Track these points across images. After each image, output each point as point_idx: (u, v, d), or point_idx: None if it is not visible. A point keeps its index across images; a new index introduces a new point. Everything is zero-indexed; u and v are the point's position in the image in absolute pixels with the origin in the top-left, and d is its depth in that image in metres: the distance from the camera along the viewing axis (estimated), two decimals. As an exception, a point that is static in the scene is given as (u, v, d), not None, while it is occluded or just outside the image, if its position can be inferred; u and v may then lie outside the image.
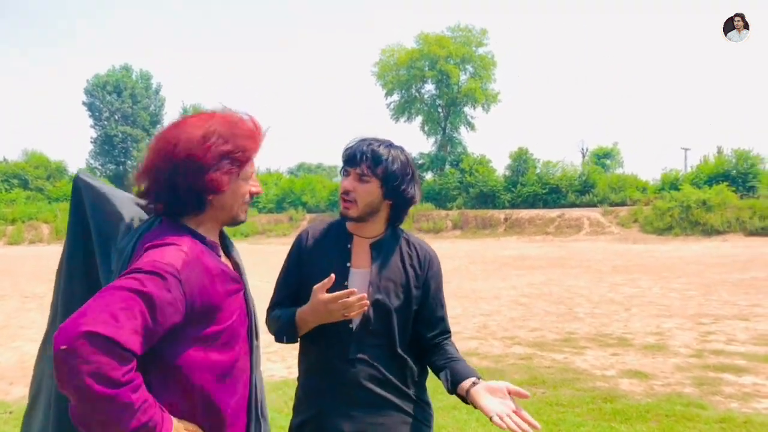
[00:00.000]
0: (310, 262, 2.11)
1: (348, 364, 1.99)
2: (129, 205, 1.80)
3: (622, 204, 38.66)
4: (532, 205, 41.69)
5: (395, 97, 48.72)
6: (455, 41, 46.13)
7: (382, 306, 1.99)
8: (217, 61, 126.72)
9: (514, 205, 42.22)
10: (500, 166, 53.80)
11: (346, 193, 2.03)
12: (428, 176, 48.57)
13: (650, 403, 5.30)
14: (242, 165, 1.67)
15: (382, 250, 2.07)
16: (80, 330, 1.27)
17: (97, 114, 52.47)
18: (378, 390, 1.97)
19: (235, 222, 1.75)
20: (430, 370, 2.13)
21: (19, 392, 5.90)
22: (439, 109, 48.48)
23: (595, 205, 39.12)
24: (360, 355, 1.98)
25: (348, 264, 2.06)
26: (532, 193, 42.33)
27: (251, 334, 1.73)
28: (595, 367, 6.60)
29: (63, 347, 1.26)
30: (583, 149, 70.14)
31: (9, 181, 46.86)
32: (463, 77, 47.04)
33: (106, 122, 52.28)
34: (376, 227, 2.09)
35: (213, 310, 1.56)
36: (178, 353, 1.51)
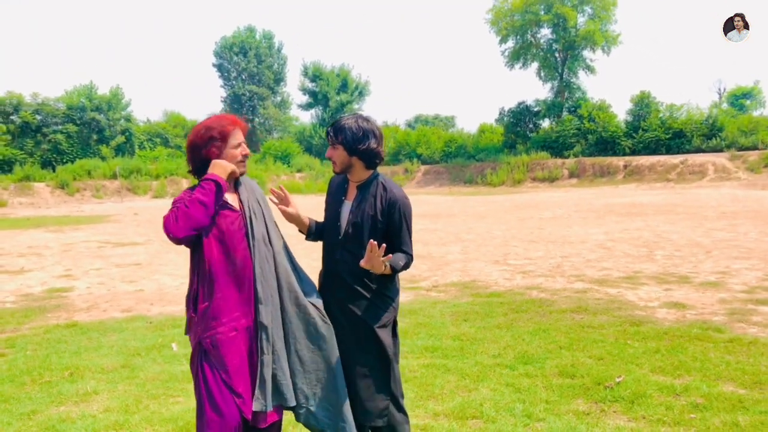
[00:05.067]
0: (328, 197, 3.22)
1: (335, 262, 3.05)
2: None
3: (754, 148, 36.39)
4: (654, 151, 40.20)
5: (510, 43, 47.96)
6: (572, -18, 44.50)
7: (357, 226, 3.01)
8: (333, 18, 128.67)
9: (634, 152, 40.91)
10: (621, 111, 51.51)
11: (329, 158, 3.05)
12: (545, 123, 47.83)
13: (673, 327, 5.96)
14: (225, 139, 2.86)
15: (363, 190, 3.08)
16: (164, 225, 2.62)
17: (225, 74, 55.99)
18: (350, 280, 3.00)
19: (235, 174, 2.90)
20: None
21: (157, 310, 7.51)
22: (556, 54, 47.20)
23: (721, 150, 37.12)
24: (342, 257, 3.02)
25: (343, 198, 3.11)
26: (654, 139, 40.75)
27: (248, 236, 2.86)
28: (642, 299, 7.24)
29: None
30: (720, 89, 65.60)
31: (152, 140, 51.57)
32: (581, 19, 45.38)
33: (234, 82, 55.67)
34: (359, 174, 3.09)
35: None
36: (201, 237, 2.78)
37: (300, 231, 3.27)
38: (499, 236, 14.12)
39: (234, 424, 2.76)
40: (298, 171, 46.09)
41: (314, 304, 2.97)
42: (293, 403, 2.92)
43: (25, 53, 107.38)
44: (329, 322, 2.98)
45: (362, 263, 2.83)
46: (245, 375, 2.84)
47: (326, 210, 3.20)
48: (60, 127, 47.04)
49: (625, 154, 40.79)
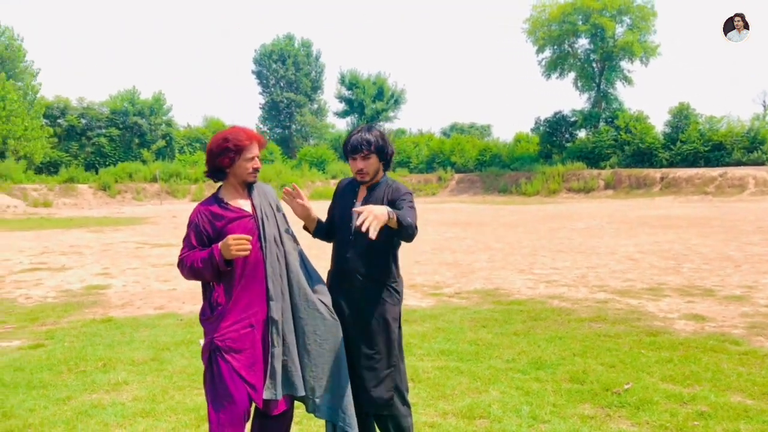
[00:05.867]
0: (338, 199, 3.44)
1: (345, 260, 3.27)
2: None
3: (797, 161, 35.57)
4: (692, 164, 39.60)
5: (547, 53, 47.81)
6: (611, -8, 44.15)
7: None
8: (370, 27, 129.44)
9: (672, 164, 40.36)
10: (658, 122, 50.86)
11: (359, 171, 3.24)
12: (581, 134, 47.45)
13: (689, 338, 6.01)
14: (240, 152, 3.09)
15: (372, 190, 3.29)
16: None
17: (264, 81, 56.91)
18: (360, 277, 3.20)
19: (246, 182, 3.17)
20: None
21: (188, 308, 7.82)
22: (593, 64, 46.86)
23: (763, 163, 36.37)
24: (353, 255, 3.23)
25: (354, 200, 3.33)
26: (693, 151, 40.18)
27: (260, 238, 3.09)
28: (663, 311, 7.28)
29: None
30: (765, 101, 64.17)
31: (192, 145, 52.76)
32: (619, 30, 45.00)
33: (272, 89, 56.56)
34: (376, 177, 3.30)
35: (219, 231, 3.07)
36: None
37: (305, 228, 3.49)
38: (528, 246, 14.18)
39: (243, 410, 2.99)
40: (333, 177, 46.58)
41: (322, 301, 3.18)
42: (302, 393, 3.12)
43: (72, 58, 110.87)
44: (336, 318, 3.18)
45: (358, 222, 2.76)
46: (259, 366, 3.06)
47: (335, 211, 3.41)
48: (103, 130, 48.51)
49: (662, 166, 40.26)
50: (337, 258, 3.35)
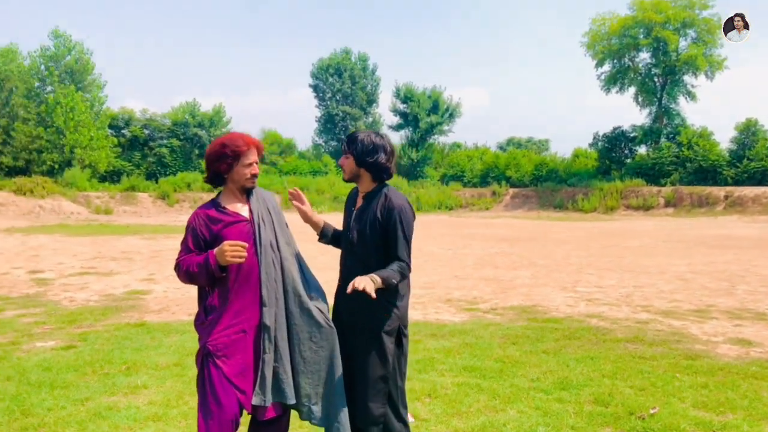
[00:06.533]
0: (345, 207, 3.43)
1: (346, 267, 3.24)
2: None
3: None
4: (760, 182, 37.90)
5: (606, 67, 46.64)
6: (675, 5, 42.77)
7: (360, 233, 3.15)
8: (425, 42, 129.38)
9: (737, 182, 38.75)
10: (723, 139, 48.90)
11: (340, 166, 3.20)
12: (641, 150, 46.13)
13: (730, 363, 5.67)
14: (237, 158, 3.06)
15: (368, 200, 3.22)
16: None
17: (321, 95, 57.57)
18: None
19: (244, 188, 3.14)
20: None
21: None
22: (655, 79, 45.49)
23: (837, 182, 34.53)
24: (350, 263, 3.18)
25: (353, 208, 3.26)
26: (761, 169, 38.46)
27: (256, 243, 3.04)
28: (707, 334, 6.91)
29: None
30: (839, 118, 61.19)
31: (249, 157, 53.72)
32: (682, 43, 43.59)
33: (328, 102, 57.16)
34: (366, 185, 3.24)
35: (215, 235, 3.05)
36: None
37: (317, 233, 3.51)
38: (575, 263, 13.79)
39: (231, 416, 2.95)
40: (386, 190, 46.65)
41: (318, 308, 3.12)
42: (293, 401, 3.06)
43: (137, 71, 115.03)
44: (332, 325, 3.11)
45: (348, 290, 2.89)
46: (249, 372, 3.02)
47: (343, 219, 3.38)
48: (165, 141, 50.01)
49: (726, 184, 38.70)
50: (341, 265, 3.32)
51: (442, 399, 4.71)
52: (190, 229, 3.11)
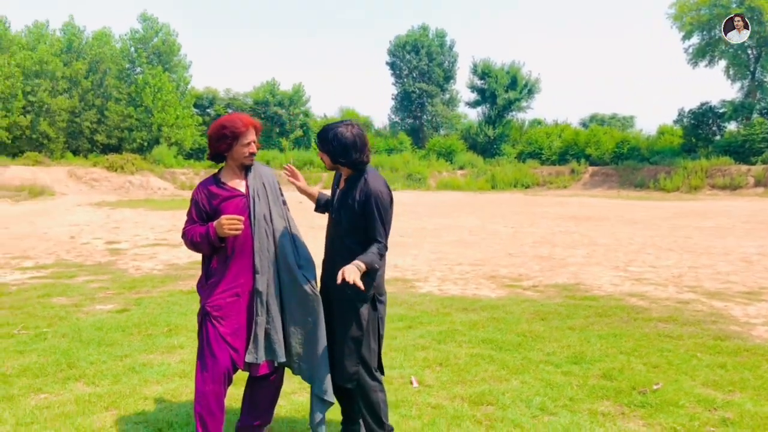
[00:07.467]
0: (333, 182, 3.64)
1: (331, 243, 3.49)
2: None
3: None
4: None
5: (694, 39, 44.27)
6: (772, -29, 40.13)
7: (341, 213, 3.39)
8: (507, 16, 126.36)
9: (839, 160, 36.21)
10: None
11: (321, 158, 3.43)
12: (731, 126, 43.74)
13: (760, 345, 5.56)
14: (236, 138, 3.33)
15: (349, 182, 3.44)
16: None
17: (397, 72, 57.56)
18: (338, 258, 3.35)
19: (243, 165, 3.42)
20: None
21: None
22: (748, 51, 42.86)
23: None
24: (335, 240, 3.42)
25: (337, 188, 3.50)
26: None
27: (251, 216, 3.33)
28: (748, 315, 6.74)
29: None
30: None
31: (327, 135, 54.64)
32: (780, 12, 40.85)
33: (405, 79, 57.11)
34: (347, 172, 3.46)
35: (215, 208, 3.35)
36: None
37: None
38: (638, 243, 13.48)
39: (224, 369, 3.30)
40: (460, 168, 46.38)
41: (306, 276, 3.38)
42: (283, 359, 3.37)
43: (221, 52, 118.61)
44: (317, 292, 3.39)
45: (338, 281, 3.07)
46: (242, 332, 3.34)
47: (330, 192, 3.65)
48: (246, 120, 51.64)
49: (826, 163, 36.25)
50: (326, 234, 3.58)
51: (452, 368, 4.91)
52: (194, 202, 3.43)
